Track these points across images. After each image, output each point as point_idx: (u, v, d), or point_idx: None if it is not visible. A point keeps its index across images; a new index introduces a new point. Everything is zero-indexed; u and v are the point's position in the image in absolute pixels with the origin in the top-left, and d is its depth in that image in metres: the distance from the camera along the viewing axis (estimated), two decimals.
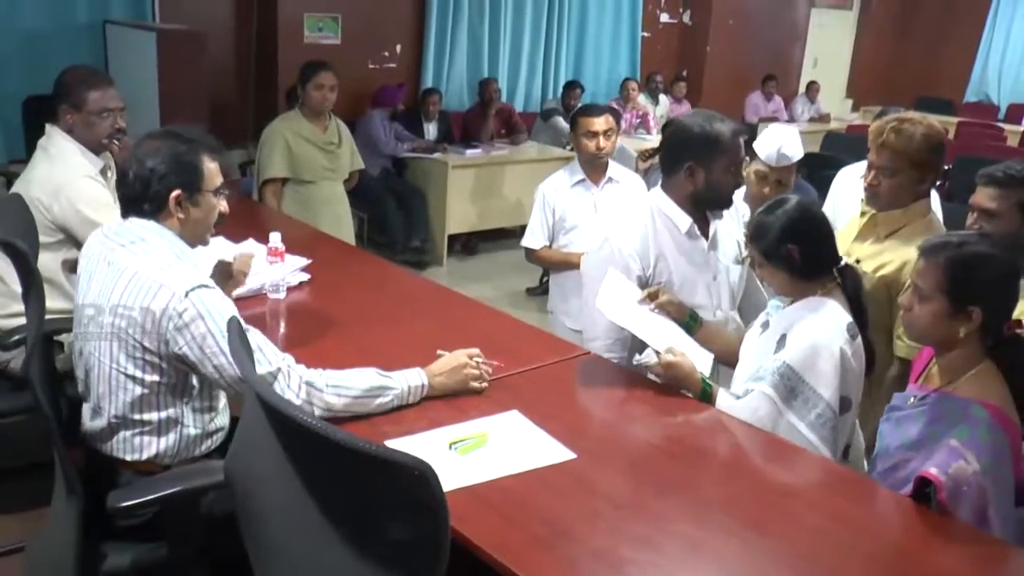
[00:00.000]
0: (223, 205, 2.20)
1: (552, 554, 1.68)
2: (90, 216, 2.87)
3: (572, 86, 8.19)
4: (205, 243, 2.23)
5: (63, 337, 2.75)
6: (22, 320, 2.56)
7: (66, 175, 2.89)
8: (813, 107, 10.86)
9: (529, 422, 2.14)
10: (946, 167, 7.65)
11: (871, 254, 2.73)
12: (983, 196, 2.48)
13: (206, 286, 2.00)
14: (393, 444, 1.90)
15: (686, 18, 10.19)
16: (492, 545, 1.66)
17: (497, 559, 1.63)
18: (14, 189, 2.97)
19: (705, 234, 2.67)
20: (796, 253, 2.26)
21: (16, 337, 2.56)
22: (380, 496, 1.33)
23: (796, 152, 3.18)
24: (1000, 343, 1.99)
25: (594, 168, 3.75)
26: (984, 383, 1.96)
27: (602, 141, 3.65)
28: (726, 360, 2.59)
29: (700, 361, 2.45)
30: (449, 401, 2.23)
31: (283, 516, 1.50)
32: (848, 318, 2.26)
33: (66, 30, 5.66)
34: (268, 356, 2.01)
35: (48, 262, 2.82)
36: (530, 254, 3.89)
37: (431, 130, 7.41)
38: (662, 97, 9.29)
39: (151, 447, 2.09)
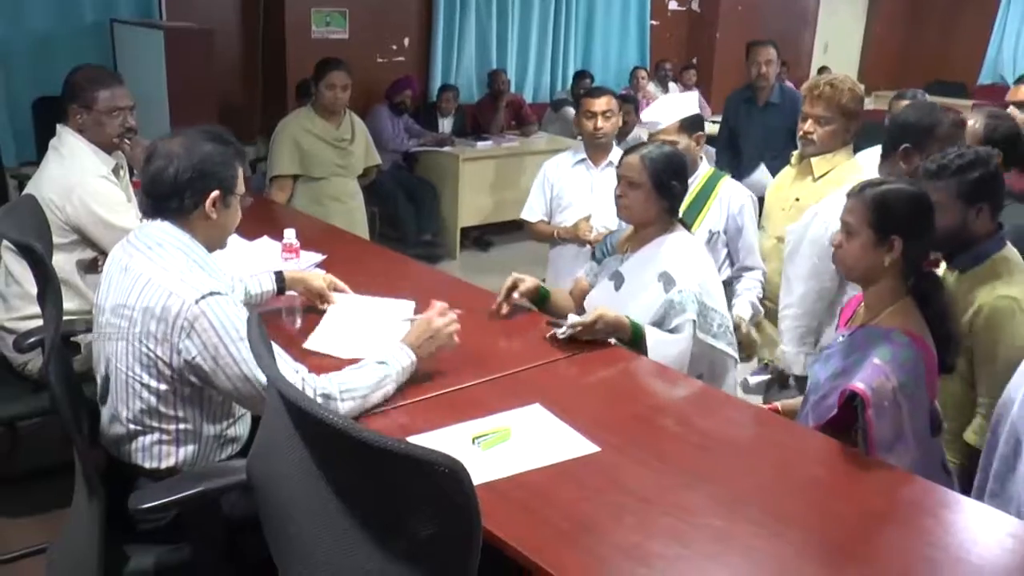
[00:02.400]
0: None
1: (578, 549, 1.66)
2: (103, 216, 2.87)
3: (582, 76, 8.15)
4: (224, 247, 2.22)
5: (80, 338, 2.75)
6: (38, 322, 2.55)
7: (78, 175, 2.88)
8: None
9: (552, 415, 2.13)
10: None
11: (808, 193, 3.16)
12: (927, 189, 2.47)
13: (217, 293, 1.98)
14: (415, 440, 1.88)
15: (695, 5, 10.11)
16: (518, 540, 1.65)
17: (523, 554, 1.62)
18: (27, 190, 2.96)
19: None
20: (678, 190, 2.68)
21: (32, 339, 2.55)
22: (407, 494, 1.31)
23: (658, 118, 3.30)
24: (918, 280, 2.18)
25: (595, 149, 3.80)
26: (904, 315, 2.15)
27: (599, 121, 3.69)
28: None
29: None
30: (471, 395, 2.22)
31: (307, 515, 1.48)
32: (699, 239, 2.84)
33: (74, 30, 5.65)
34: (285, 365, 1.98)
35: (63, 263, 2.81)
36: (525, 225, 4.06)
37: (446, 126, 7.37)
38: (672, 85, 9.23)
39: (170, 457, 2.08)
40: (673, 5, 9.92)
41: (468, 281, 3.35)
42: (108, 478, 2.09)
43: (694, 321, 2.55)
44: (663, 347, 2.54)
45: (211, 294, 1.96)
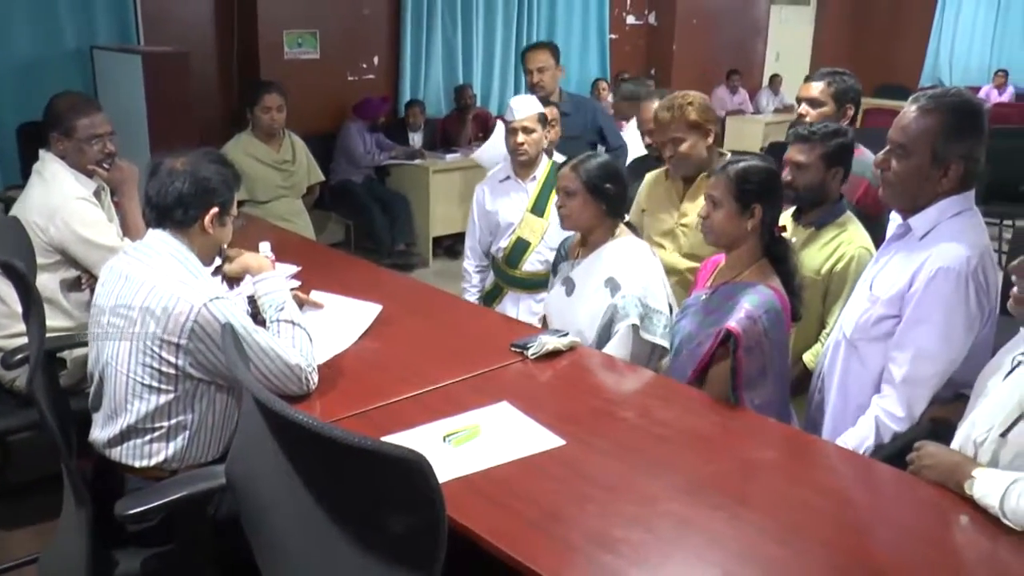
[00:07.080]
0: None
1: (546, 536, 1.72)
2: (86, 235, 2.93)
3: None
4: (212, 263, 2.33)
5: (65, 354, 2.81)
6: (24, 340, 2.61)
7: (60, 198, 2.94)
8: (777, 98, 11.19)
9: (519, 412, 2.20)
10: None
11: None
12: (794, 151, 2.78)
13: (222, 297, 2.10)
14: (388, 439, 1.94)
15: (652, 19, 10.34)
16: (488, 531, 1.71)
17: (493, 543, 1.68)
18: (12, 213, 3.02)
19: None
20: (613, 192, 2.76)
21: (19, 356, 2.61)
22: (378, 490, 1.36)
23: (522, 108, 3.54)
24: (773, 242, 2.47)
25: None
26: (764, 273, 2.44)
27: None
28: None
29: None
30: (441, 396, 2.29)
31: (284, 515, 1.54)
32: (646, 243, 2.87)
33: (56, 57, 5.65)
34: (307, 354, 2.20)
35: (47, 282, 2.87)
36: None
37: (416, 140, 7.48)
38: None
39: (160, 453, 2.15)
40: (631, 19, 10.11)
41: (440, 287, 3.43)
42: (96, 485, 2.14)
43: (634, 325, 2.64)
44: (614, 352, 2.67)
45: (218, 298, 2.08)
